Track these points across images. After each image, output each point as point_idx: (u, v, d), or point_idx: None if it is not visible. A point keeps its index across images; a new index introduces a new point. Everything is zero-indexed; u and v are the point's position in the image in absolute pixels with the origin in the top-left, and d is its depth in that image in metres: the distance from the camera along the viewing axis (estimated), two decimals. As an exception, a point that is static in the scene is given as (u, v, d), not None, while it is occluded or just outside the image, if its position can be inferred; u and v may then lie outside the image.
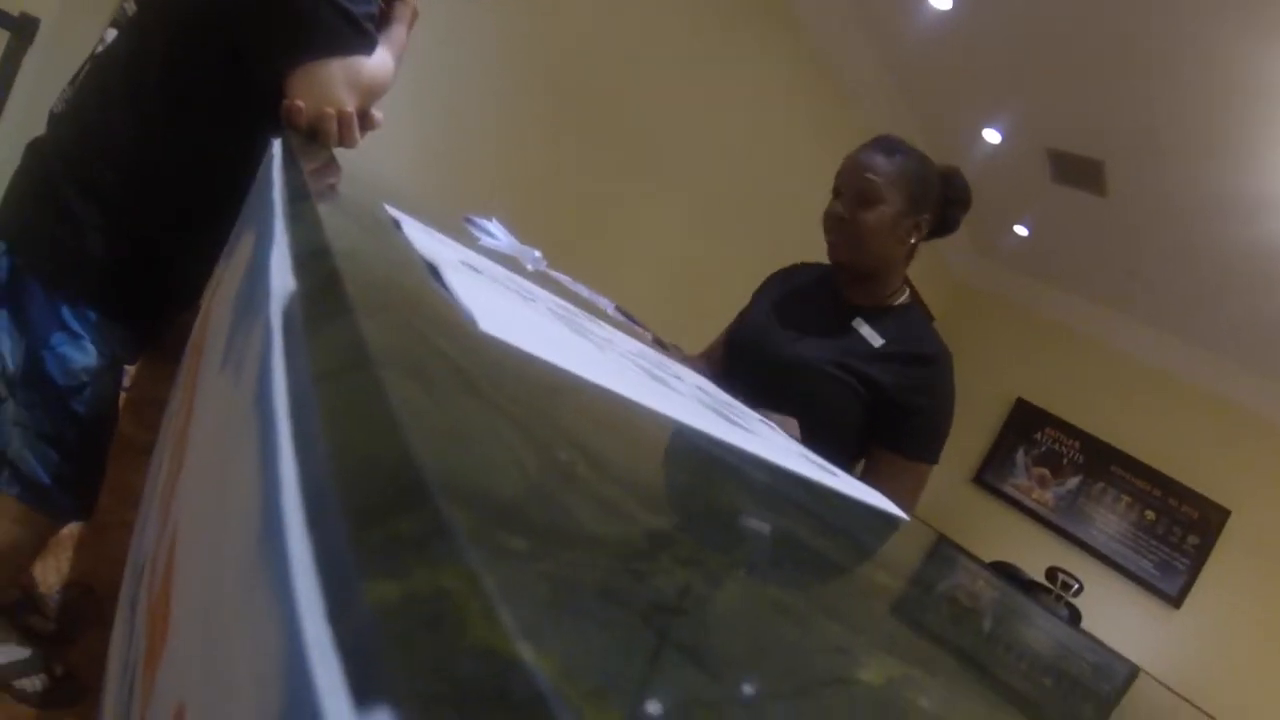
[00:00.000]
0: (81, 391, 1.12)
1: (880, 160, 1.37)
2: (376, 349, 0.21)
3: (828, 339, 1.41)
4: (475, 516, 0.14)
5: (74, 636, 1.52)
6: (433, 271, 0.47)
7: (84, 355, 1.12)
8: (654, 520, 0.22)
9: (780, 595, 0.24)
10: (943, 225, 1.46)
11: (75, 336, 1.11)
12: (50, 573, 1.66)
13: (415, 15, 1.27)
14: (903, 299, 1.48)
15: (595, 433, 0.31)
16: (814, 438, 1.24)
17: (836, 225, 1.40)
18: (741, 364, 1.48)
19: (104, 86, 1.12)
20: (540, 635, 0.11)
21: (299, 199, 0.51)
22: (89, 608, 1.60)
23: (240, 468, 0.23)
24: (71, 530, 1.81)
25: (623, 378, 0.47)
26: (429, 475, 0.14)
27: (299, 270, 0.32)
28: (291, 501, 0.16)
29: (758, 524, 0.35)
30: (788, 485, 0.53)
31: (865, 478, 1.38)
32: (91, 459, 1.22)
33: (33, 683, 1.35)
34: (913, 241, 1.43)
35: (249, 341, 0.33)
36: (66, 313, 1.10)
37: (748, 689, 0.15)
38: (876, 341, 1.40)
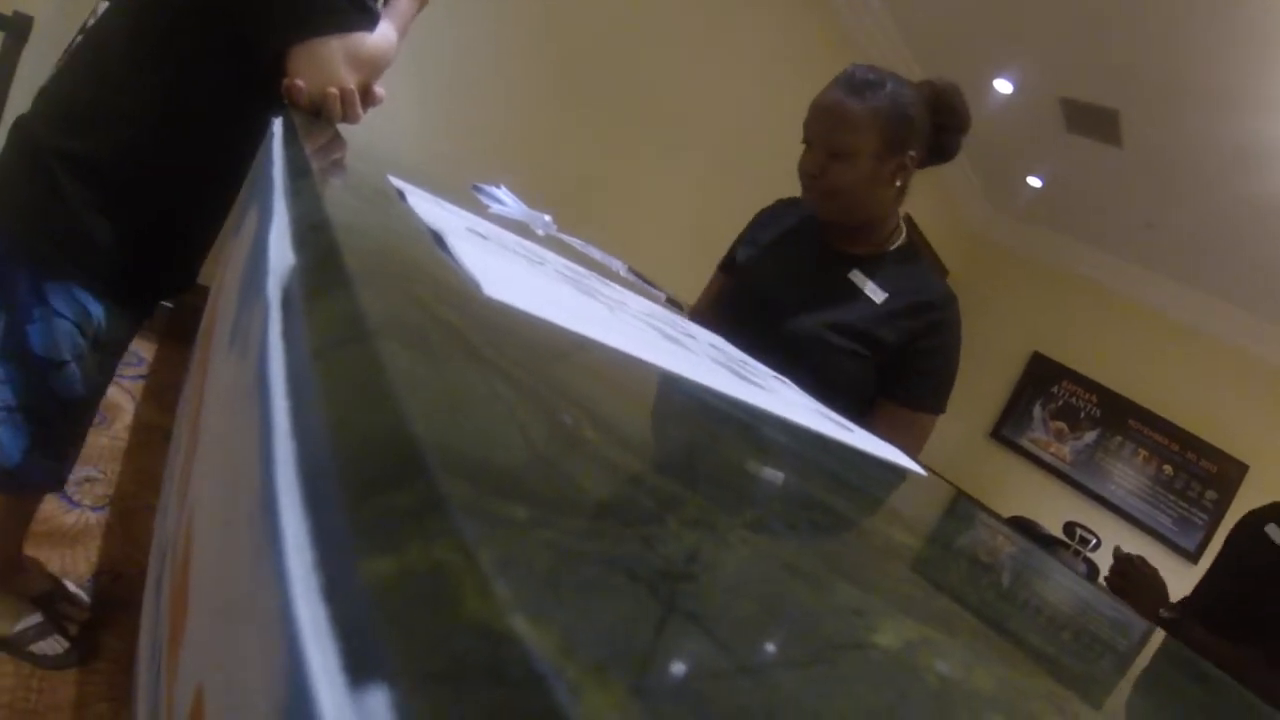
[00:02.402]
0: (61, 369, 1.10)
1: (849, 103, 1.23)
2: (375, 320, 0.21)
3: (826, 303, 1.31)
4: (473, 487, 0.14)
5: (108, 622, 1.55)
6: (437, 239, 0.46)
7: (66, 335, 1.09)
8: (663, 483, 0.22)
9: (794, 557, 0.24)
10: (937, 153, 1.34)
11: (57, 315, 1.08)
12: (80, 561, 1.69)
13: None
14: (899, 242, 1.36)
15: (603, 395, 0.30)
16: (825, 402, 1.17)
17: (810, 182, 1.29)
18: (741, 335, 1.34)
19: (97, 64, 1.09)
20: (539, 609, 0.10)
21: (300, 174, 0.50)
22: (120, 594, 1.63)
23: (244, 447, 0.23)
24: (99, 519, 1.84)
25: (633, 338, 0.47)
26: (425, 447, 0.14)
27: (298, 244, 0.32)
28: (287, 479, 0.15)
29: (773, 484, 0.35)
30: (803, 442, 0.52)
31: (868, 429, 1.35)
32: (67, 436, 1.20)
33: (51, 645, 1.38)
34: (899, 184, 1.30)
35: (252, 319, 0.33)
36: (52, 290, 1.07)
37: (759, 657, 0.14)
38: (879, 297, 1.30)
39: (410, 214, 0.56)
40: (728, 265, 1.56)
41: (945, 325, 1.32)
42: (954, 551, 0.53)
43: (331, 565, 0.12)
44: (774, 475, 0.37)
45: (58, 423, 1.15)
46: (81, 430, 1.23)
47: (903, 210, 1.41)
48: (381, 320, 0.21)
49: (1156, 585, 1.71)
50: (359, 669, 0.10)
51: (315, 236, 0.33)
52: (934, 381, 1.33)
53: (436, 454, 0.14)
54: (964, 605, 0.34)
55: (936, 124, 1.30)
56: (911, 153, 1.28)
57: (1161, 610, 1.63)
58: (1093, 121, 4.12)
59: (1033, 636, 0.38)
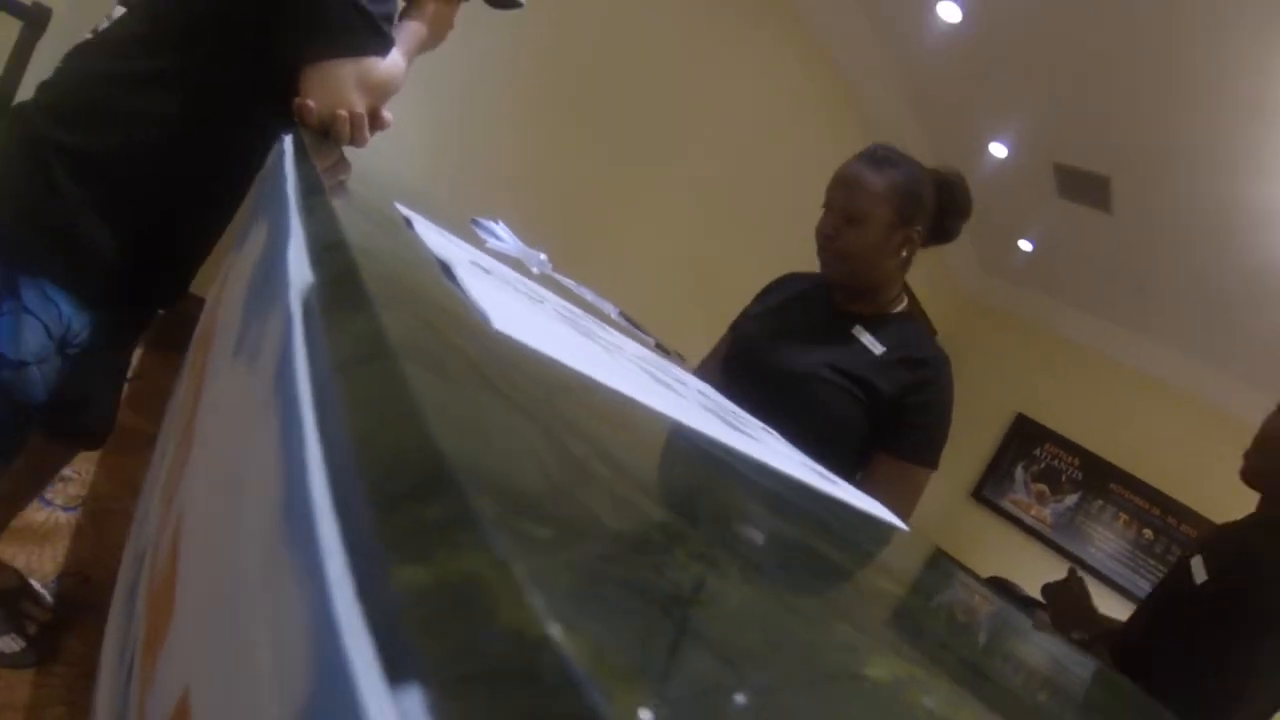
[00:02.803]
0: (21, 370, 1.04)
1: (868, 175, 1.37)
2: (395, 340, 0.22)
3: (828, 347, 1.41)
4: (499, 505, 0.14)
5: (70, 624, 1.52)
6: (445, 270, 0.47)
7: (33, 334, 1.03)
8: (668, 518, 0.22)
9: (788, 595, 0.24)
10: (940, 233, 1.46)
11: (26, 312, 1.03)
12: (47, 561, 1.66)
13: (449, 24, 1.25)
14: (900, 307, 1.48)
15: (609, 432, 0.31)
16: (818, 447, 1.20)
17: (825, 243, 1.42)
18: (741, 377, 1.48)
19: (109, 63, 1.08)
20: (568, 619, 0.11)
21: (313, 193, 0.51)
22: (86, 597, 1.60)
23: (258, 456, 0.23)
24: (70, 519, 1.81)
25: (631, 380, 0.47)
26: (454, 464, 0.15)
27: (315, 262, 0.33)
28: (319, 487, 0.16)
29: (765, 529, 0.35)
30: (792, 491, 0.53)
31: (864, 482, 1.39)
32: (15, 440, 1.14)
33: (6, 643, 1.34)
34: (904, 254, 1.42)
35: (265, 331, 0.33)
36: (25, 285, 1.02)
37: (763, 678, 0.15)
38: (877, 349, 1.39)
39: (418, 242, 0.57)
40: (737, 326, 1.66)
41: (938, 384, 1.40)
42: (937, 603, 0.54)
43: (365, 570, 0.13)
44: (766, 519, 0.38)
45: (4, 425, 1.09)
46: (23, 437, 1.16)
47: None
48: (401, 341, 0.22)
49: (1078, 607, 1.65)
50: (396, 669, 0.11)
51: (332, 256, 0.33)
52: (926, 436, 1.39)
53: (463, 472, 0.15)
54: (947, 652, 0.35)
55: (941, 207, 1.43)
56: (919, 228, 1.40)
57: (1074, 633, 1.58)
58: (1084, 187, 4.21)
59: (1014, 686, 0.38)
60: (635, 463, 0.29)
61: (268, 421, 0.23)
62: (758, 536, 0.32)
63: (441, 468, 0.14)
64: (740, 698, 0.13)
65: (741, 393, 1.36)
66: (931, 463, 1.40)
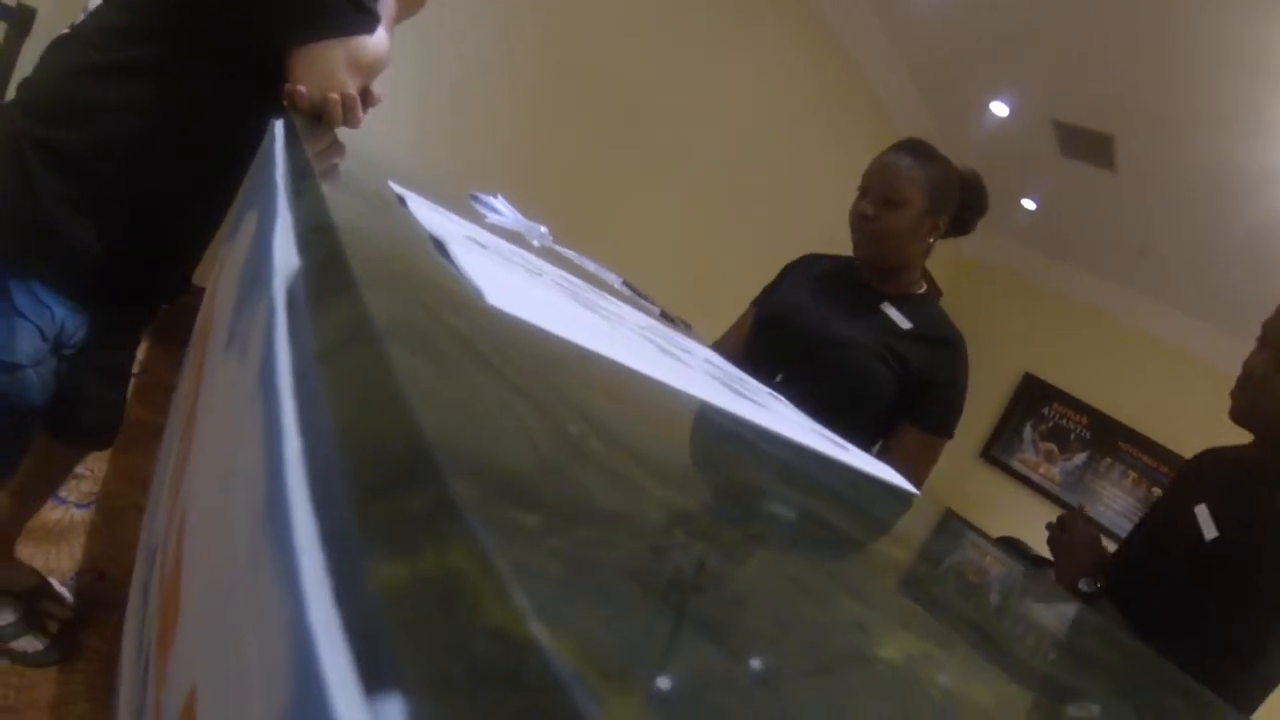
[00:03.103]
0: (15, 373, 1.03)
1: (906, 164, 1.48)
2: (382, 323, 0.21)
3: (863, 320, 1.52)
4: (485, 492, 0.14)
5: (90, 621, 1.53)
6: (438, 246, 0.46)
7: (26, 337, 1.02)
8: (668, 495, 0.22)
9: (797, 570, 0.24)
10: (958, 226, 1.57)
11: (18, 315, 1.01)
12: (64, 559, 1.67)
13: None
14: (921, 289, 1.60)
15: (606, 406, 0.30)
16: (850, 412, 1.34)
17: (862, 224, 1.51)
18: (776, 344, 1.57)
19: (87, 56, 1.05)
20: (555, 615, 0.10)
21: (302, 176, 0.50)
22: (103, 593, 1.61)
23: (245, 449, 0.23)
24: (85, 516, 1.82)
25: (633, 351, 0.47)
26: (437, 451, 0.14)
27: (303, 247, 0.32)
28: (296, 481, 0.15)
29: (773, 499, 0.35)
30: (800, 459, 0.52)
31: (885, 449, 1.50)
32: (15, 443, 1.13)
33: (28, 643, 1.35)
34: (930, 240, 1.53)
35: (253, 321, 0.33)
36: (16, 288, 1.00)
37: (768, 667, 0.14)
38: (905, 325, 1.51)
39: (411, 220, 0.56)
40: (760, 301, 1.75)
41: (958, 361, 1.53)
42: (947, 569, 0.53)
43: (343, 569, 0.12)
44: (773, 490, 0.37)
45: (4, 430, 1.08)
46: (26, 440, 1.15)
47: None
48: (388, 323, 0.21)
49: (1081, 551, 1.58)
50: (373, 674, 0.10)
51: (320, 239, 0.32)
52: (947, 409, 1.52)
53: (448, 458, 0.14)
54: (959, 621, 0.34)
55: (964, 202, 1.55)
56: (945, 217, 1.52)
57: (1081, 583, 1.52)
58: (1087, 146, 4.15)
59: (1025, 653, 0.38)
60: (635, 438, 0.28)
61: (253, 416, 0.22)
62: (765, 509, 0.31)
63: (422, 456, 0.14)
64: (741, 692, 0.12)
65: (774, 360, 1.49)
66: (950, 433, 1.52)
